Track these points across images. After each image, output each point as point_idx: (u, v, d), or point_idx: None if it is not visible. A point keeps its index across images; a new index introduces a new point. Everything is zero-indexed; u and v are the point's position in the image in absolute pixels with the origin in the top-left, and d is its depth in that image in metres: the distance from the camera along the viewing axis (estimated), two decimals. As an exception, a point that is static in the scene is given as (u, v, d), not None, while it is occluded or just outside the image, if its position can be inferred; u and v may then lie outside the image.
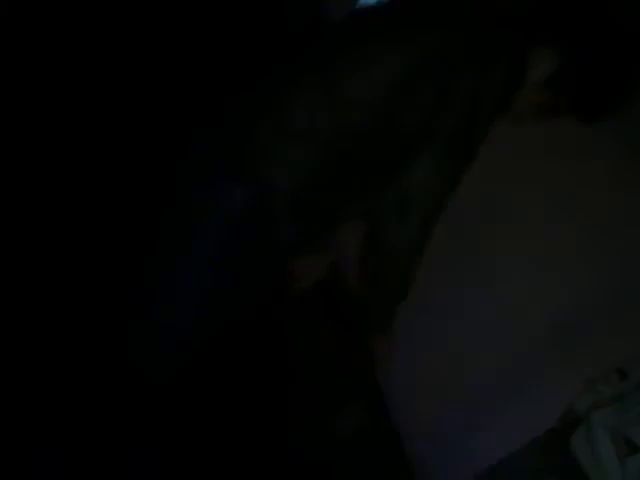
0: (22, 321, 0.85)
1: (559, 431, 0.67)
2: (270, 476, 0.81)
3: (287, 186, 0.67)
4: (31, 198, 0.90)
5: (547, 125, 0.74)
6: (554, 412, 0.68)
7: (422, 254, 0.69)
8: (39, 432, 0.80)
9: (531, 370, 0.72)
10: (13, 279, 0.86)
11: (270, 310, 0.79)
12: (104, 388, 0.77)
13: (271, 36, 0.98)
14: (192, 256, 0.71)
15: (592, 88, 0.69)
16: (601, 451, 0.66)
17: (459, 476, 0.72)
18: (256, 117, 0.67)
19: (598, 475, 0.65)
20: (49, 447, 0.80)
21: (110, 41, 0.96)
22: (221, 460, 0.81)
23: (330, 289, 0.86)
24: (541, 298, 0.73)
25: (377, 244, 0.71)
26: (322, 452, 0.82)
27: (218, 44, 0.99)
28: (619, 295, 0.72)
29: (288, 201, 0.67)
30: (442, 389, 0.75)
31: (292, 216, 0.69)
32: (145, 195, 0.87)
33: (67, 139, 0.93)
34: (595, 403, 0.68)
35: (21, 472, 0.78)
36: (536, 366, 0.72)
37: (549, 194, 0.78)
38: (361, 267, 0.73)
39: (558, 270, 0.74)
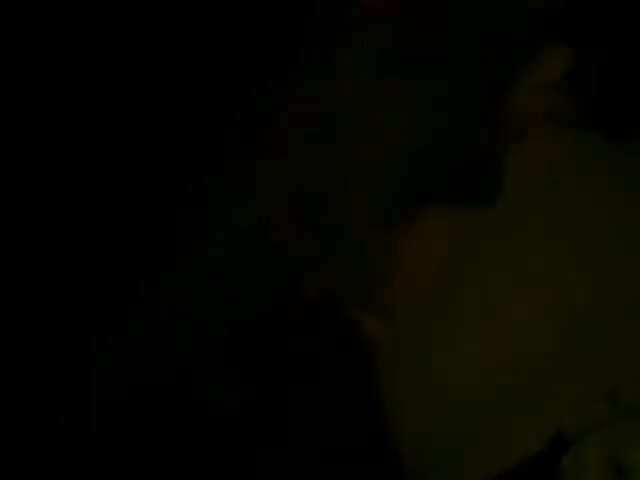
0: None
1: (549, 452, 0.68)
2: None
3: (291, 201, 0.67)
4: (31, 200, 0.91)
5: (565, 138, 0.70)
6: (545, 433, 0.68)
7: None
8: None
9: (524, 391, 0.73)
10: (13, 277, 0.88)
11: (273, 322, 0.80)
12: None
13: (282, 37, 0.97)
14: (196, 271, 0.72)
15: (614, 95, 0.64)
16: (592, 475, 0.66)
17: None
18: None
19: (587, 498, 0.65)
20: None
21: (112, 41, 0.96)
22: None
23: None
24: (536, 321, 0.74)
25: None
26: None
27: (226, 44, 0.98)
28: (614, 318, 0.72)
29: (293, 217, 0.68)
30: (439, 402, 0.76)
31: (299, 231, 0.69)
32: (151, 207, 0.88)
33: (68, 140, 0.93)
34: (586, 426, 0.68)
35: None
36: (529, 387, 0.72)
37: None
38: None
39: (552, 294, 0.74)
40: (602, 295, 0.76)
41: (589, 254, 0.77)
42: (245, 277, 0.69)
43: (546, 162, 0.71)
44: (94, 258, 0.88)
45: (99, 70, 0.93)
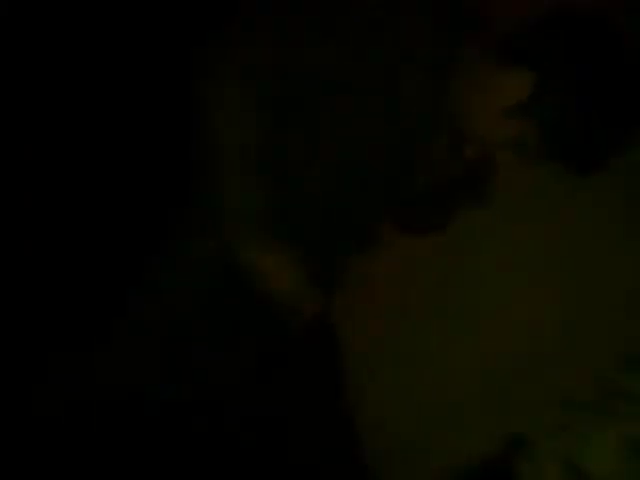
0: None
1: (504, 453, 0.73)
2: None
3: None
4: (30, 199, 0.92)
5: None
6: (500, 435, 0.74)
7: None
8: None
9: (484, 397, 0.77)
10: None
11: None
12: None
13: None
14: (197, 270, 0.74)
15: (578, 124, 0.58)
16: (546, 475, 0.71)
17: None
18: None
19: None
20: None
21: (110, 41, 0.96)
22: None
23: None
24: (497, 334, 0.78)
25: None
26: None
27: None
28: (570, 330, 0.77)
29: None
30: (406, 404, 0.81)
31: None
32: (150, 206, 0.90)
33: (66, 140, 0.94)
34: (541, 429, 0.73)
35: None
36: (488, 395, 0.77)
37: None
38: None
39: (511, 305, 0.78)
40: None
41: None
42: (244, 278, 0.70)
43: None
44: (93, 259, 0.91)
45: (98, 70, 0.94)
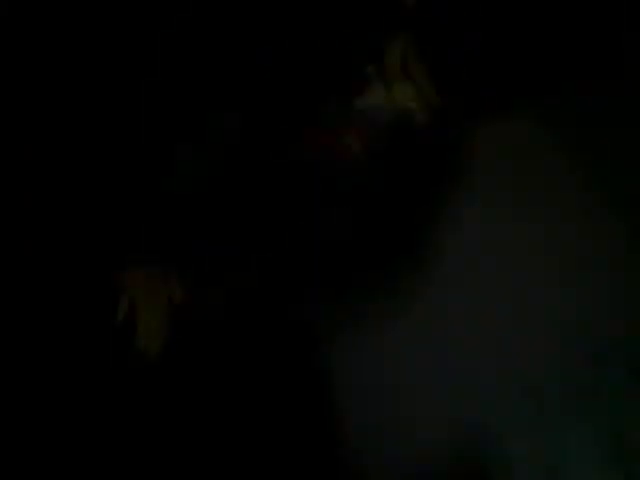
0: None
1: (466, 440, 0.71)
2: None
3: None
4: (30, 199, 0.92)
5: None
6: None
7: None
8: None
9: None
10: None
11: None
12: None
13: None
14: None
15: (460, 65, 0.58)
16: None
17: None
18: None
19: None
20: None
21: (111, 41, 0.95)
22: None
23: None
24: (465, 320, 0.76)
25: None
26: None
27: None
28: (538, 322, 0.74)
29: None
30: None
31: None
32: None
33: (67, 139, 0.93)
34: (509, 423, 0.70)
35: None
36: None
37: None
38: None
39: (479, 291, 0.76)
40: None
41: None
42: None
43: None
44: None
45: (97, 70, 0.93)
